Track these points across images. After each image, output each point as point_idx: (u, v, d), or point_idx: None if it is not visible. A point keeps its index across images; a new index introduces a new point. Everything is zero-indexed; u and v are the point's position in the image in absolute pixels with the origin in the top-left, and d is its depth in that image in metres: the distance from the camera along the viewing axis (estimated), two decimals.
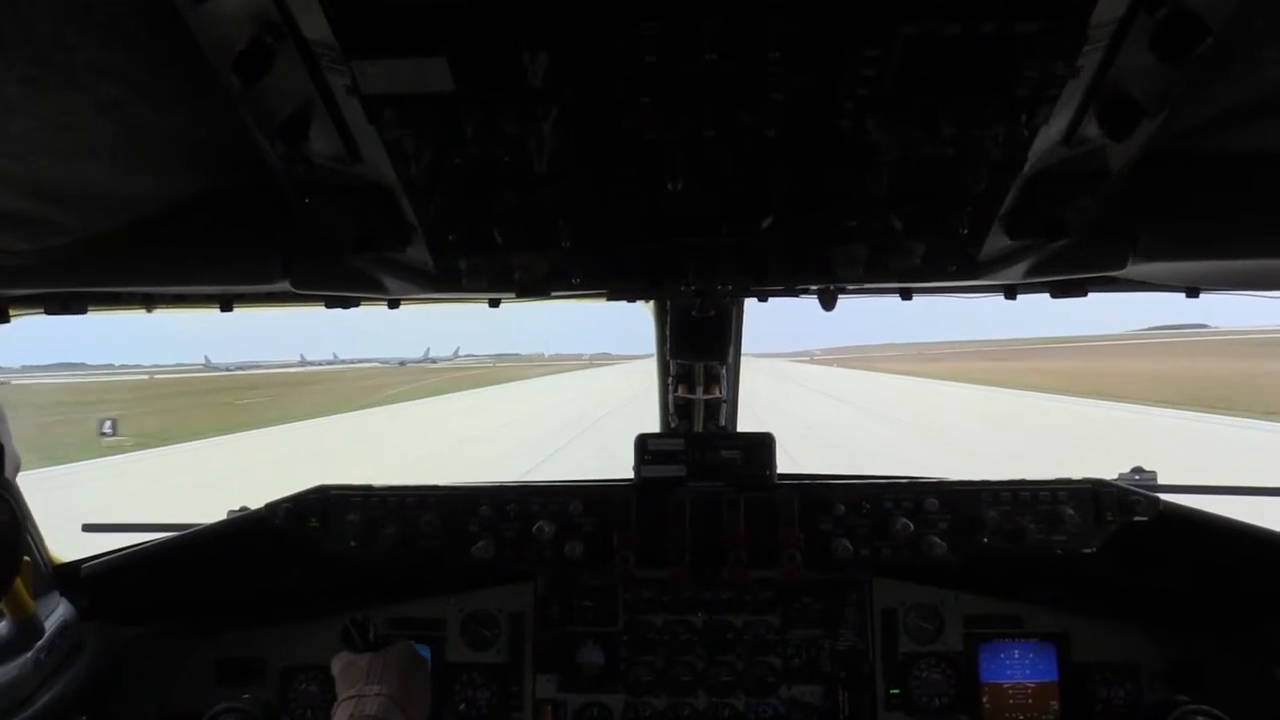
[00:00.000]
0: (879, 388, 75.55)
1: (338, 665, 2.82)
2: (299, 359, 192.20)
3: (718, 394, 4.24)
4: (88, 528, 4.21)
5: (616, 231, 2.39)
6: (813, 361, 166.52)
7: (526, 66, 1.63)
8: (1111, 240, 2.41)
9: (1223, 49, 1.61)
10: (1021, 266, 2.57)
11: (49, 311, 3.06)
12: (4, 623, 3.09)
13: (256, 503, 3.88)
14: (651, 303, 3.97)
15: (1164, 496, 3.63)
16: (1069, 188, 2.13)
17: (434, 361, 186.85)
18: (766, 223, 2.29)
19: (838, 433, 36.74)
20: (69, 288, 2.90)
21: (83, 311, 3.08)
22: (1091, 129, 1.89)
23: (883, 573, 3.91)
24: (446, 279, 2.60)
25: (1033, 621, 3.87)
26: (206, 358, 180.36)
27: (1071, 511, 3.56)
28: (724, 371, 4.16)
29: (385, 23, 1.56)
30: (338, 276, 2.69)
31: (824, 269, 2.53)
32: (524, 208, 2.18)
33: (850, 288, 2.97)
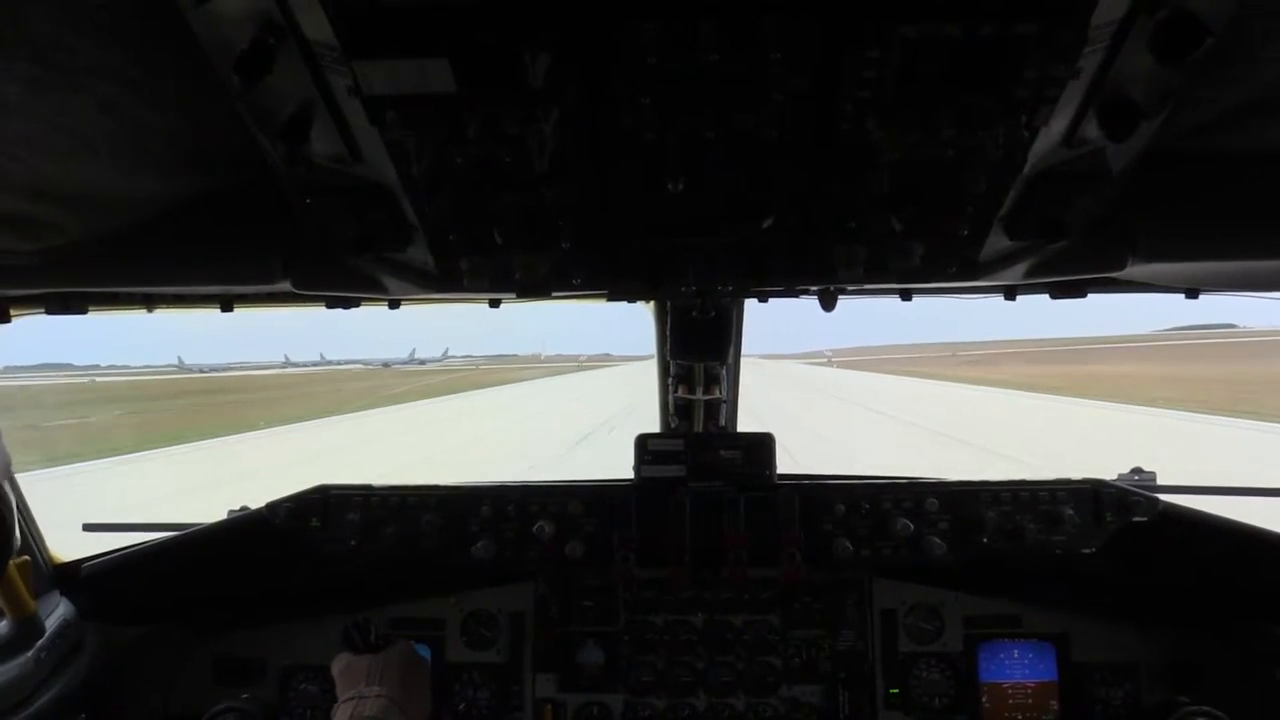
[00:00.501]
0: (927, 397, 62.76)
1: (338, 666, 2.82)
2: (283, 359, 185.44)
3: (718, 394, 4.24)
4: (88, 527, 4.22)
5: (617, 232, 2.39)
6: (830, 364, 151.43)
7: (527, 67, 1.63)
8: (1111, 241, 2.41)
9: (1222, 50, 1.61)
10: (1021, 267, 2.57)
11: (50, 312, 3.06)
12: (4, 622, 3.09)
13: None
14: (652, 303, 3.97)
15: (1163, 497, 3.63)
16: (1069, 189, 2.13)
17: (421, 363, 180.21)
18: (767, 223, 2.29)
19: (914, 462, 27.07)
20: (70, 288, 2.89)
21: (83, 312, 3.08)
22: (1091, 130, 1.89)
23: (883, 573, 3.91)
24: (447, 279, 2.60)
25: (1032, 621, 3.88)
26: (180, 359, 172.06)
27: (1071, 512, 3.56)
28: (724, 372, 4.17)
29: (387, 23, 1.57)
30: (338, 277, 2.69)
31: (824, 269, 2.53)
32: (525, 208, 2.18)
33: (850, 288, 2.97)
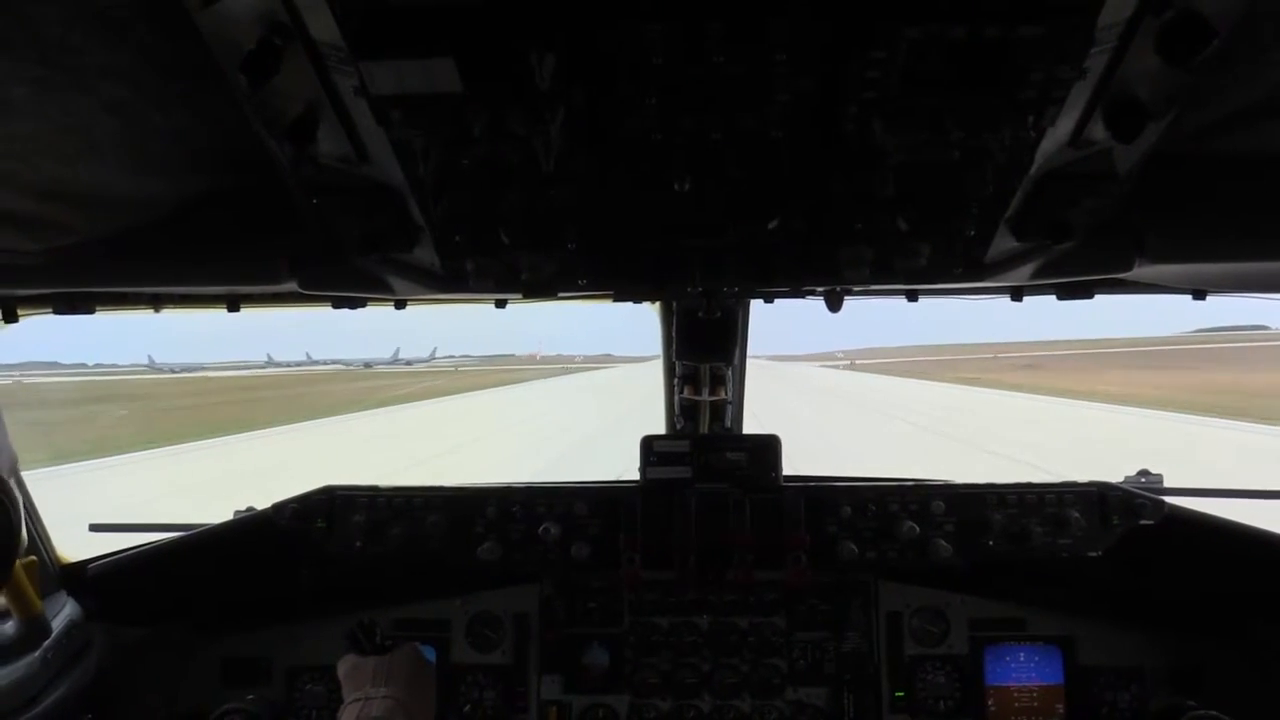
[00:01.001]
0: (998, 413, 49.65)
1: (344, 668, 2.82)
2: (266, 358, 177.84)
3: (723, 395, 4.24)
4: (95, 528, 4.23)
5: (623, 233, 2.39)
6: (852, 366, 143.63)
7: (534, 68, 1.63)
8: (1118, 242, 2.41)
9: (1229, 51, 1.61)
10: (1028, 268, 2.57)
11: (57, 311, 3.07)
12: (11, 622, 3.09)
13: None
14: (658, 304, 3.97)
15: (1170, 500, 3.62)
16: (1075, 190, 2.13)
17: (409, 364, 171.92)
18: (773, 224, 2.29)
19: None
20: (76, 288, 2.90)
21: (90, 311, 3.09)
22: (1098, 131, 1.89)
23: (888, 575, 3.91)
24: (453, 279, 2.60)
25: (1038, 625, 3.87)
26: (150, 358, 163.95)
27: (1077, 515, 3.55)
28: (730, 373, 4.17)
29: (393, 24, 1.57)
30: (345, 277, 2.70)
31: (830, 270, 2.53)
32: (531, 209, 2.18)
33: (856, 289, 2.97)
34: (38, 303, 3.04)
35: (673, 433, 4.45)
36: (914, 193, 2.09)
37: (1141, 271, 2.52)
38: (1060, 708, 3.79)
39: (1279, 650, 3.61)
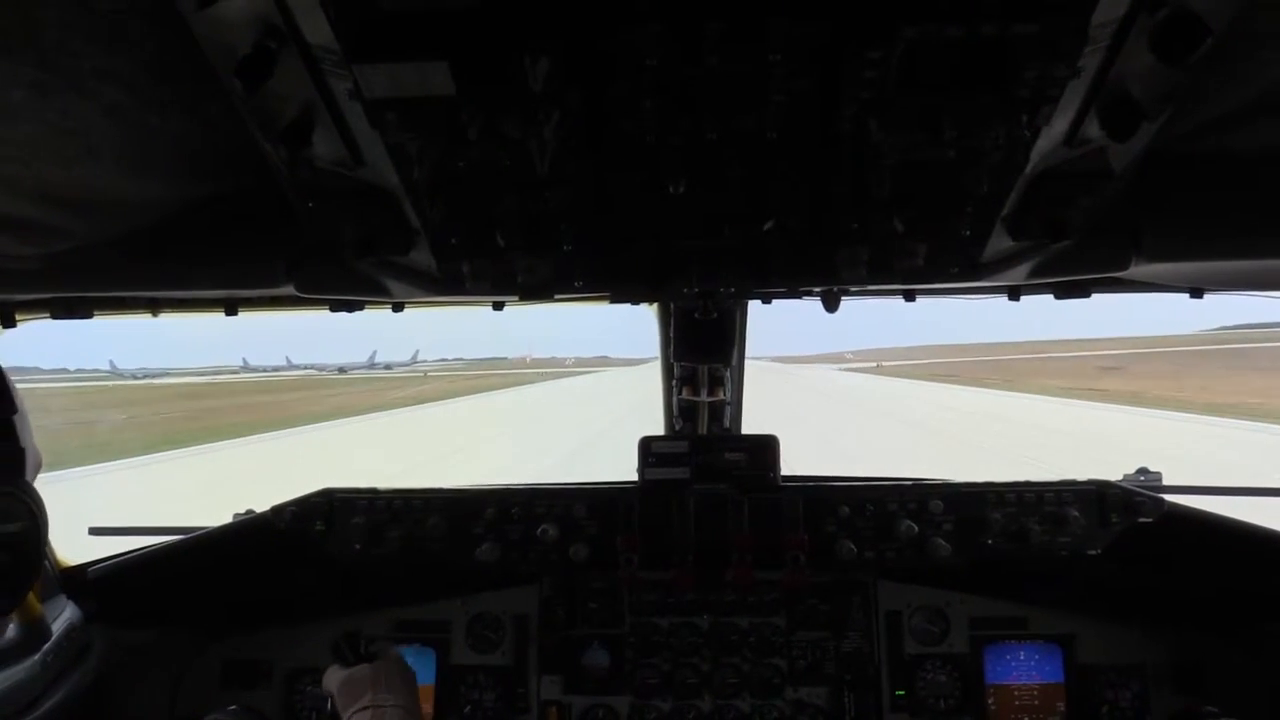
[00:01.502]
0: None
1: (334, 680, 2.79)
2: (241, 363, 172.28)
3: (722, 396, 4.24)
4: (94, 531, 4.23)
5: (619, 234, 2.39)
6: (880, 370, 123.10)
7: (528, 70, 1.63)
8: (1114, 241, 2.41)
9: (1224, 50, 1.61)
10: (1024, 267, 2.57)
11: (55, 316, 3.07)
12: (11, 626, 3.09)
13: None
14: (655, 305, 3.97)
15: (1169, 497, 3.62)
16: (1071, 188, 2.13)
17: (388, 367, 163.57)
18: (769, 225, 2.29)
19: None
20: (74, 292, 2.91)
21: (88, 316, 3.09)
22: (1093, 130, 1.89)
23: (887, 575, 3.91)
24: (450, 282, 2.60)
25: (1038, 623, 3.87)
26: (112, 363, 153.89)
27: (1076, 513, 3.56)
28: (728, 373, 4.17)
29: (387, 27, 1.57)
30: (341, 280, 2.70)
31: (827, 270, 2.53)
32: (526, 211, 2.18)
33: (853, 289, 2.97)
34: (35, 307, 3.04)
35: (671, 434, 4.45)
36: (910, 193, 2.09)
37: (1138, 270, 2.52)
38: (1061, 706, 3.79)
39: (1279, 647, 3.61)
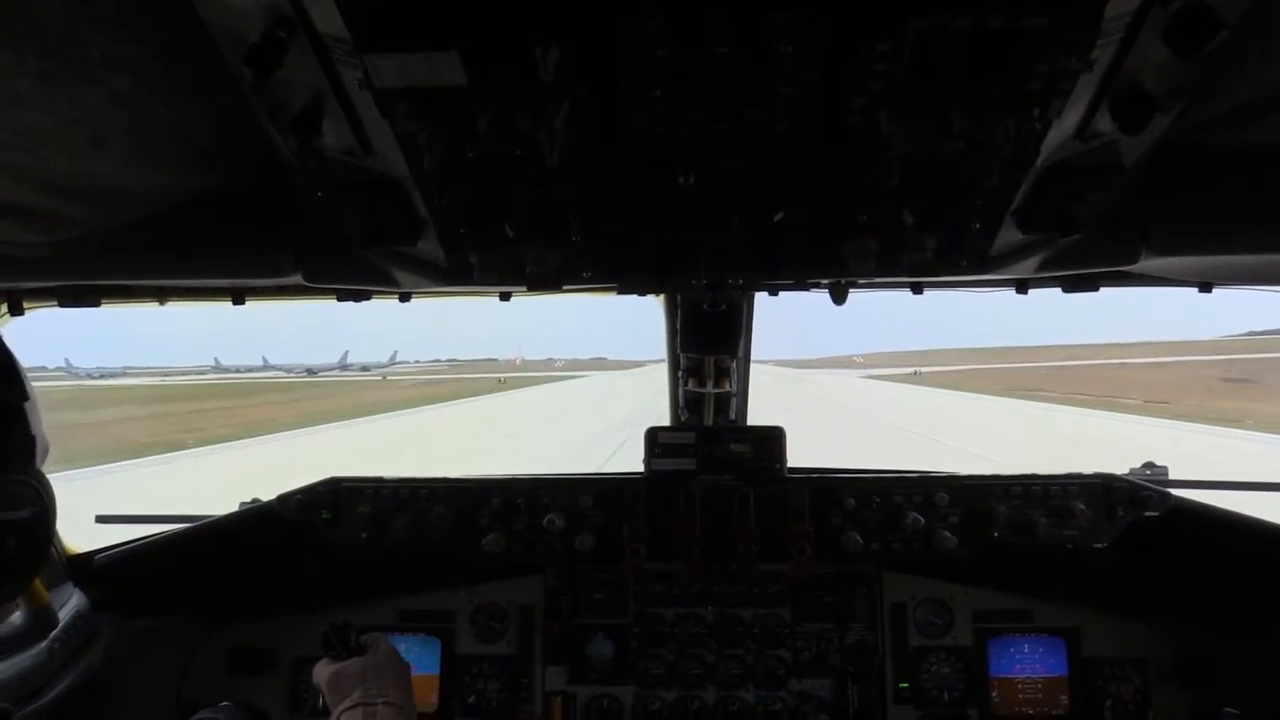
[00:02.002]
0: None
1: (323, 675, 2.67)
2: (213, 362, 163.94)
3: (728, 388, 4.25)
4: (101, 519, 4.24)
5: (627, 226, 2.39)
6: (918, 377, 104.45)
7: (538, 61, 1.63)
8: (1124, 235, 2.40)
9: (1237, 43, 1.60)
10: (1033, 261, 2.57)
11: (63, 304, 3.08)
12: (18, 613, 3.11)
13: None
14: (662, 296, 3.97)
15: (1175, 491, 3.62)
16: (1081, 182, 2.12)
17: (365, 369, 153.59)
18: (777, 217, 2.29)
19: None
20: (82, 281, 2.92)
21: (96, 304, 3.10)
22: (1104, 123, 1.89)
23: (892, 567, 3.91)
24: (458, 272, 2.61)
25: (1043, 616, 3.87)
26: (67, 360, 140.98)
27: (1083, 506, 3.56)
28: (734, 365, 4.16)
29: (398, 16, 1.57)
30: (349, 270, 2.70)
31: (835, 263, 2.53)
32: (535, 202, 2.18)
33: (861, 281, 2.96)
34: (44, 296, 3.05)
35: (677, 425, 4.45)
36: (919, 185, 2.09)
37: (1147, 264, 2.51)
38: (1064, 699, 3.79)
39: None
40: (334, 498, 3.73)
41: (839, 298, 3.04)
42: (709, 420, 4.36)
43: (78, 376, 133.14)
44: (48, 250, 2.50)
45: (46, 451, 2.17)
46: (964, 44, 1.61)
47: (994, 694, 3.81)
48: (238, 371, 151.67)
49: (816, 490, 3.71)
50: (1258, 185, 2.25)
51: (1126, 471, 3.97)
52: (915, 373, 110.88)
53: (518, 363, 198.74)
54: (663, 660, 3.87)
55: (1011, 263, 2.56)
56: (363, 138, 1.95)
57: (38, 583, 3.11)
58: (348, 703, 2.45)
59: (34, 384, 2.04)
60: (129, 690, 3.62)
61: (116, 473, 33.81)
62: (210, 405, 75.48)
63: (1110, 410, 53.58)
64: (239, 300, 3.25)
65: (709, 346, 3.91)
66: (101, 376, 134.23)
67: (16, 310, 3.08)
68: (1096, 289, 3.02)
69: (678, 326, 3.83)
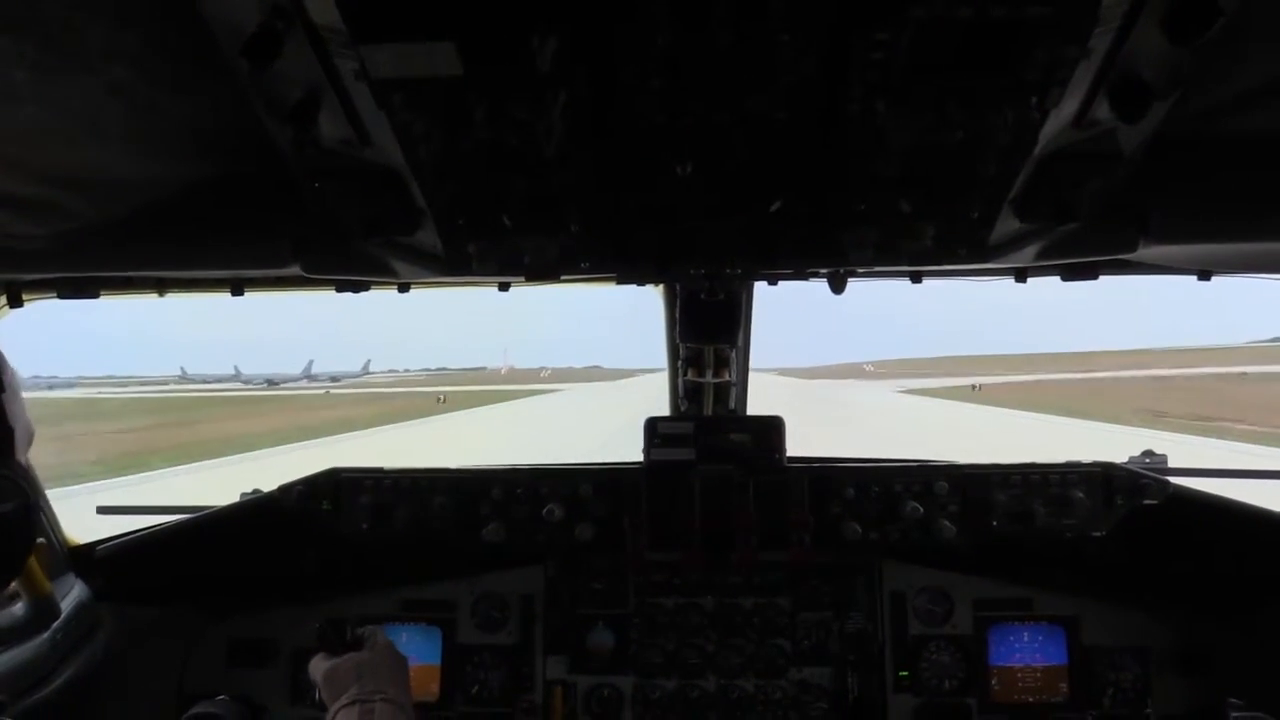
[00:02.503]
0: None
1: (319, 670, 2.61)
2: (180, 372, 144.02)
3: (727, 377, 4.25)
4: (102, 510, 4.25)
5: (626, 215, 2.39)
6: (978, 394, 76.41)
7: (535, 51, 1.63)
8: (1122, 223, 2.40)
9: (1236, 31, 1.60)
10: (1032, 249, 2.57)
11: (62, 295, 3.08)
12: (20, 604, 3.12)
13: None
14: (661, 286, 3.96)
15: (1175, 480, 3.62)
16: (1080, 170, 2.12)
17: (334, 379, 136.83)
18: (776, 206, 2.28)
19: None
20: (81, 272, 2.92)
21: (95, 295, 3.10)
22: (1103, 111, 1.88)
23: (892, 555, 3.91)
24: (456, 263, 2.61)
25: (1042, 604, 3.87)
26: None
27: (1082, 495, 3.56)
28: (733, 355, 4.16)
29: (394, 7, 1.57)
30: (348, 260, 2.70)
31: (834, 252, 2.53)
32: (533, 192, 2.18)
33: (860, 271, 2.96)
34: (43, 287, 3.05)
35: (676, 414, 4.46)
36: (918, 174, 2.09)
37: (1146, 252, 2.51)
38: (1064, 687, 3.80)
39: None
40: (334, 488, 3.74)
41: (838, 287, 3.04)
42: (708, 410, 4.36)
43: (27, 389, 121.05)
44: (46, 242, 2.51)
45: (31, 439, 2.17)
46: (963, 32, 1.61)
47: (993, 682, 3.82)
48: (204, 381, 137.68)
49: (816, 479, 3.71)
50: (1257, 172, 2.25)
51: (1126, 460, 3.97)
52: (976, 387, 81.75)
53: (504, 371, 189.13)
54: (663, 649, 3.88)
55: (1010, 251, 2.56)
56: (360, 128, 1.95)
57: (39, 573, 3.12)
58: (344, 699, 2.40)
59: None
60: (131, 680, 3.64)
61: None
62: (107, 428, 60.47)
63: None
64: (238, 291, 3.25)
65: (708, 336, 3.91)
66: (50, 387, 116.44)
67: (15, 302, 3.08)
68: (1095, 277, 3.02)
69: (677, 316, 3.83)
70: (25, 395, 2.09)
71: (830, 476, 3.72)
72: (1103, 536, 3.59)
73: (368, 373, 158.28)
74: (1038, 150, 2.02)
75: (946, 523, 3.58)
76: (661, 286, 3.95)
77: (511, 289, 3.31)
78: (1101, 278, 3.06)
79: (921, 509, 3.57)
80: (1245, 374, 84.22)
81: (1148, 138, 2.01)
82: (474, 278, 2.95)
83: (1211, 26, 1.51)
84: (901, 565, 3.92)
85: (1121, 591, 3.83)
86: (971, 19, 1.56)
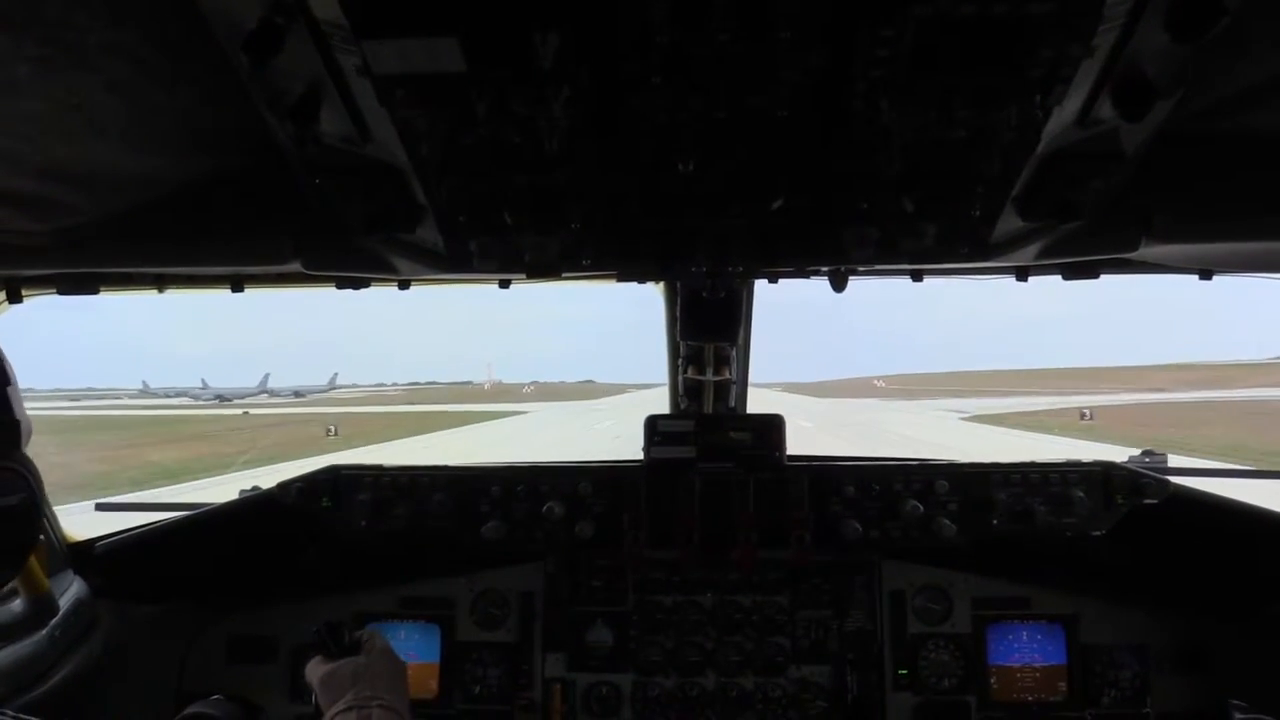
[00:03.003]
0: None
1: (316, 674, 2.55)
2: (141, 385, 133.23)
3: (727, 375, 4.24)
4: (101, 506, 4.24)
5: (627, 213, 2.39)
6: (1091, 422, 50.70)
7: (538, 47, 1.63)
8: (1124, 222, 2.40)
9: (1239, 29, 1.59)
10: (1034, 248, 2.57)
11: (61, 292, 3.08)
12: (19, 600, 3.11)
13: None
14: (661, 284, 3.96)
15: (1175, 479, 3.62)
16: (1082, 169, 2.12)
17: (298, 394, 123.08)
18: (777, 204, 2.28)
19: None
20: (81, 268, 2.91)
21: (94, 291, 3.10)
22: (1106, 110, 1.88)
23: (892, 554, 3.91)
24: (457, 260, 2.61)
25: (1041, 603, 3.87)
26: None
27: (1081, 494, 3.56)
28: (734, 353, 4.16)
29: (396, 2, 1.56)
30: (349, 257, 2.70)
31: (835, 250, 2.53)
32: (535, 189, 2.18)
33: (861, 269, 2.96)
34: (42, 283, 3.04)
35: (677, 412, 4.45)
36: (920, 172, 2.09)
37: (1148, 251, 2.51)
38: (1063, 685, 3.80)
39: None
40: (334, 485, 3.73)
41: (839, 285, 3.04)
42: (708, 408, 4.35)
43: None
44: (46, 238, 2.50)
45: (30, 434, 2.17)
46: (966, 30, 1.60)
47: (993, 680, 3.82)
48: (165, 395, 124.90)
49: (816, 478, 3.71)
50: (1260, 172, 2.25)
51: (1126, 459, 3.97)
52: (1086, 415, 55.41)
53: (487, 387, 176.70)
54: (662, 647, 3.88)
55: (1012, 250, 2.56)
56: (361, 125, 1.95)
57: (38, 570, 3.11)
58: (341, 705, 2.37)
59: None
60: (129, 677, 3.63)
61: None
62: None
63: None
64: (238, 288, 3.25)
65: (709, 334, 3.90)
66: None
67: (15, 298, 3.08)
68: (1097, 276, 3.02)
69: (677, 314, 3.83)
70: None
71: (830, 475, 3.72)
72: (1102, 536, 3.59)
73: (335, 386, 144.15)
74: (1040, 148, 2.02)
75: (946, 521, 3.58)
76: (662, 284, 3.95)
77: (513, 290, 3.32)
78: (1098, 278, 3.06)
79: (921, 508, 3.57)
80: None
81: (1151, 136, 2.01)
82: (475, 275, 2.95)
83: (1215, 25, 1.51)
84: (901, 564, 3.91)
85: (1121, 591, 3.83)
86: (975, 16, 1.56)
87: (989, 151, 2.00)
